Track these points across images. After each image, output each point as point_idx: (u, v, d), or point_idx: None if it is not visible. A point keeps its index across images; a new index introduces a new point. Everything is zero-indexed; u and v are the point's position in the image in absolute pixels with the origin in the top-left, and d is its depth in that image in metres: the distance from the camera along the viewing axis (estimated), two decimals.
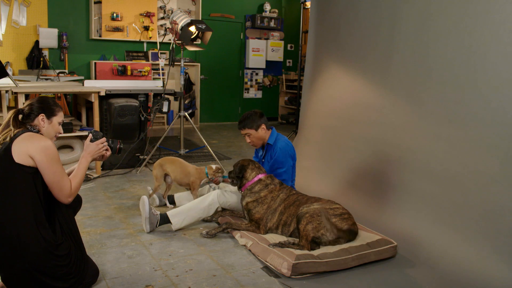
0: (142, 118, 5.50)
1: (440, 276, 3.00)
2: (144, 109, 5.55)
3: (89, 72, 8.38)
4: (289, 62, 11.02)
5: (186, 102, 9.09)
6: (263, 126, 3.79)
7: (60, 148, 5.23)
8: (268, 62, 10.52)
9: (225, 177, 4.00)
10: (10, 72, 7.03)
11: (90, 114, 5.46)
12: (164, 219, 3.61)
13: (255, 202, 3.51)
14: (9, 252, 2.35)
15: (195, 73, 9.53)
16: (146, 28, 8.64)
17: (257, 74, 10.60)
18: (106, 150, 2.79)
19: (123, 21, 8.45)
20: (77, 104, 6.53)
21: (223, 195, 3.75)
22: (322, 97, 5.35)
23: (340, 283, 2.87)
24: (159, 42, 8.71)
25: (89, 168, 5.36)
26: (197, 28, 5.64)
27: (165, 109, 5.51)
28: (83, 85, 5.95)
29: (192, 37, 5.74)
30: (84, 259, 2.65)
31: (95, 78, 8.05)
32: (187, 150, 6.07)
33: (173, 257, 3.17)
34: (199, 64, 9.53)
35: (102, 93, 5.15)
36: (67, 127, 4.91)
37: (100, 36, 8.35)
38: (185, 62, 8.84)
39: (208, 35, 5.82)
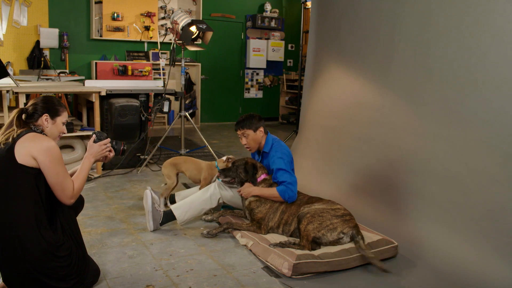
0: (143, 118, 5.50)
1: (440, 276, 3.00)
2: (145, 109, 5.55)
3: (90, 72, 8.39)
4: (289, 62, 11.02)
5: (187, 102, 9.10)
6: (261, 129, 3.71)
7: (60, 148, 5.24)
8: (269, 62, 10.52)
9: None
10: (11, 72, 7.03)
11: (91, 114, 5.47)
12: (167, 217, 3.62)
13: (258, 202, 3.51)
14: (10, 253, 2.34)
15: (195, 73, 9.53)
16: (147, 28, 8.64)
17: (257, 74, 10.60)
18: (110, 151, 2.78)
19: (124, 21, 8.45)
20: (77, 104, 6.54)
21: (222, 185, 3.75)
22: (323, 97, 5.34)
23: (341, 283, 2.87)
24: (160, 42, 8.71)
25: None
26: (197, 28, 5.64)
27: (165, 109, 5.51)
28: (84, 85, 5.96)
29: (193, 37, 5.75)
30: (85, 260, 2.65)
31: (96, 78, 8.05)
32: (187, 150, 6.07)
33: (174, 257, 3.17)
34: (199, 64, 9.54)
35: (103, 93, 5.15)
36: (67, 127, 4.91)
37: (101, 36, 8.36)
38: (185, 62, 8.85)
39: (209, 35, 5.82)
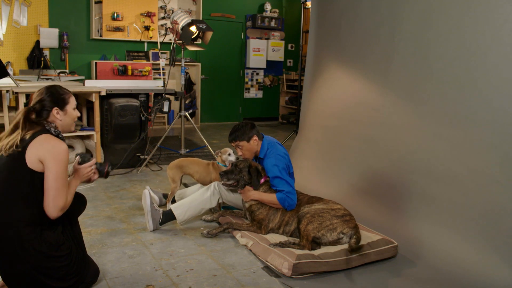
0: (143, 118, 5.50)
1: (440, 276, 3.00)
2: (145, 109, 5.55)
3: (89, 72, 8.39)
4: (289, 62, 11.02)
5: (187, 102, 9.10)
6: (255, 137, 3.64)
7: None
8: (269, 62, 10.52)
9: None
10: (11, 72, 7.03)
11: (91, 114, 5.46)
12: (167, 216, 3.62)
13: (259, 204, 3.51)
14: (10, 253, 2.33)
15: (195, 73, 9.53)
16: (147, 28, 8.64)
17: (257, 74, 10.60)
18: (94, 173, 2.72)
19: (124, 21, 8.45)
20: (77, 104, 6.52)
21: (221, 185, 3.74)
22: (323, 97, 5.34)
23: (341, 283, 2.87)
24: (160, 42, 8.71)
25: None
26: (197, 28, 5.64)
27: (165, 109, 5.51)
28: (83, 85, 5.95)
29: (193, 37, 5.75)
30: (85, 259, 2.64)
31: (96, 78, 8.05)
32: (187, 150, 6.07)
33: (174, 257, 3.17)
34: (199, 64, 9.54)
35: (103, 93, 5.15)
36: None
37: (100, 36, 8.36)
38: (185, 62, 8.85)
39: (209, 35, 5.82)
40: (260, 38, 10.36)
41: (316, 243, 3.16)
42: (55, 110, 2.53)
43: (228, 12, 9.95)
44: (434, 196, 3.56)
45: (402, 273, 3.04)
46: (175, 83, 8.90)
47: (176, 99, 5.99)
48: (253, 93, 10.65)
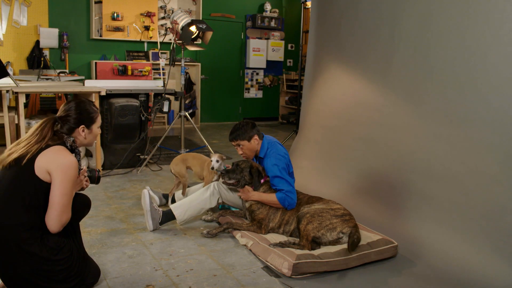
0: (143, 118, 5.50)
1: (440, 276, 3.00)
2: (145, 109, 5.55)
3: (89, 72, 8.39)
4: (289, 62, 11.02)
5: (187, 102, 9.10)
6: (256, 137, 3.65)
7: None
8: (269, 62, 10.52)
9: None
10: (10, 72, 7.03)
11: None
12: (167, 216, 3.62)
13: (259, 203, 3.51)
14: (11, 256, 2.32)
15: (195, 73, 9.53)
16: (147, 28, 8.64)
17: (257, 74, 10.60)
18: (86, 181, 2.71)
19: (124, 21, 8.45)
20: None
21: (221, 185, 3.75)
22: (323, 97, 5.34)
23: (341, 283, 2.87)
24: (160, 42, 8.71)
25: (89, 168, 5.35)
26: (197, 28, 5.64)
27: (165, 109, 5.51)
28: (83, 85, 5.95)
29: (193, 37, 5.75)
30: (86, 260, 2.63)
31: (96, 78, 8.05)
32: (187, 150, 6.07)
33: (174, 257, 3.17)
34: (199, 64, 9.54)
35: (103, 93, 5.15)
36: None
37: (100, 36, 8.36)
38: (185, 62, 8.84)
39: (209, 35, 5.82)
40: (260, 38, 10.36)
41: (316, 243, 3.16)
42: (81, 128, 2.53)
43: (228, 12, 9.95)
44: (434, 196, 3.56)
45: (402, 273, 3.04)
46: (175, 83, 8.90)
47: (176, 99, 5.99)
48: (253, 93, 10.65)
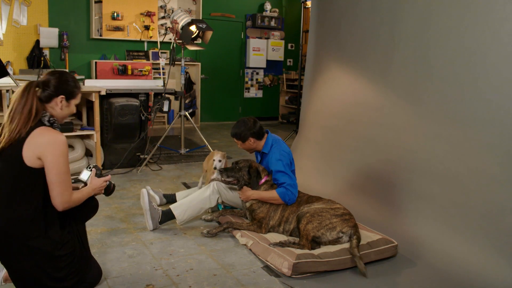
0: (143, 118, 5.50)
1: (440, 275, 3.00)
2: (145, 109, 5.55)
3: (89, 72, 8.38)
4: (289, 61, 11.02)
5: (187, 101, 9.09)
6: (251, 139, 3.67)
7: None
8: (269, 62, 10.52)
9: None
10: (10, 72, 7.02)
11: (91, 114, 5.46)
12: (167, 216, 3.62)
13: (260, 202, 3.52)
14: (15, 249, 2.32)
15: (195, 72, 9.53)
16: (147, 28, 8.64)
17: (257, 73, 10.60)
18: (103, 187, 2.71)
19: (124, 20, 8.45)
20: (77, 104, 6.53)
21: (221, 185, 3.76)
22: (323, 97, 5.35)
23: (341, 282, 2.88)
24: (160, 42, 8.70)
25: None
26: (197, 28, 5.64)
27: (165, 108, 5.51)
28: (83, 84, 5.95)
29: (193, 36, 5.75)
30: (88, 259, 2.63)
31: (96, 78, 8.05)
32: (187, 150, 6.07)
33: (174, 256, 3.17)
34: (199, 63, 9.53)
35: (103, 93, 5.15)
36: (67, 127, 4.91)
37: (100, 35, 8.35)
38: (185, 61, 8.83)
39: (209, 34, 5.82)
40: (260, 38, 10.36)
41: (316, 242, 3.16)
42: (60, 99, 2.45)
43: (228, 11, 9.95)
44: (434, 196, 3.56)
45: (402, 272, 3.04)
46: (175, 83, 8.89)
47: (176, 98, 5.99)
48: (253, 92, 10.64)
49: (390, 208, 3.88)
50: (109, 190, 2.77)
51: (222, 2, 9.85)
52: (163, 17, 8.97)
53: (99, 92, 5.12)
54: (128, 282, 2.78)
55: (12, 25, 7.60)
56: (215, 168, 3.91)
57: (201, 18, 8.92)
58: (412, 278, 2.97)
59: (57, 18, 8.04)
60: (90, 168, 2.69)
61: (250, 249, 3.27)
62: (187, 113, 6.01)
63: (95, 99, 5.11)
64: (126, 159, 5.51)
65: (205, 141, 6.04)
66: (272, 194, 3.47)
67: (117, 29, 8.40)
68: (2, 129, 2.35)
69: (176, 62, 6.04)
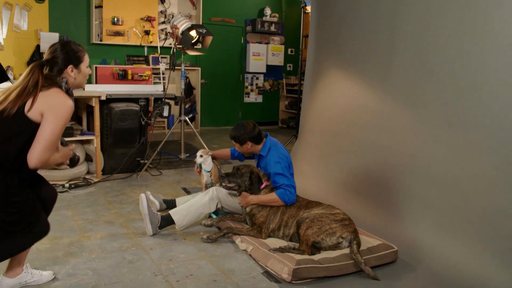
0: (143, 123, 5.50)
1: (440, 280, 2.99)
2: (145, 114, 5.55)
3: (90, 77, 8.40)
4: (289, 66, 11.04)
5: (187, 106, 9.11)
6: (249, 143, 3.73)
7: None
8: (269, 67, 10.54)
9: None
10: (11, 77, 7.04)
11: (91, 119, 5.47)
12: (166, 221, 3.61)
13: (260, 207, 3.52)
14: None
15: (195, 77, 9.54)
16: (147, 33, 8.66)
17: (257, 78, 10.61)
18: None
19: (124, 25, 8.47)
20: (78, 109, 6.53)
21: (220, 190, 3.77)
22: (323, 102, 5.35)
23: None
24: (160, 47, 8.73)
25: (89, 172, 5.36)
26: (197, 33, 5.65)
27: (165, 113, 5.52)
28: (83, 89, 5.95)
29: (193, 41, 5.76)
30: (38, 213, 2.57)
31: (96, 83, 8.06)
32: (187, 155, 6.07)
33: (174, 262, 3.16)
34: (199, 68, 9.55)
35: (103, 98, 5.15)
36: (67, 132, 4.92)
37: (101, 40, 8.37)
38: (185, 66, 8.86)
39: (209, 39, 5.83)
40: (260, 43, 10.38)
41: (316, 248, 3.16)
42: (70, 69, 2.52)
43: (228, 16, 9.97)
44: (434, 200, 3.56)
45: (402, 277, 3.03)
46: (175, 88, 8.90)
47: (176, 103, 6.00)
48: (253, 97, 10.66)
49: (389, 213, 3.88)
50: (73, 161, 2.84)
51: (222, 7, 9.88)
52: (163, 22, 8.99)
53: (99, 97, 5.13)
54: None
55: (12, 30, 7.61)
56: (195, 163, 4.07)
57: (201, 23, 8.94)
58: (412, 283, 2.96)
59: (58, 23, 8.06)
60: None
61: (250, 255, 3.27)
62: (187, 118, 6.02)
63: (95, 104, 5.11)
64: (126, 164, 5.51)
65: (205, 146, 6.04)
66: (272, 196, 3.48)
67: (117, 34, 8.42)
68: (7, 96, 2.38)
69: (176, 67, 6.06)
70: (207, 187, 4.07)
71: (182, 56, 6.11)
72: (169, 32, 5.90)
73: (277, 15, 10.43)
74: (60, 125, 2.36)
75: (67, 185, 4.81)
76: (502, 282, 2.87)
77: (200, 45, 5.94)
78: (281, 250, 3.15)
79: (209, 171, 4.06)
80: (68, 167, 2.85)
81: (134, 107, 5.38)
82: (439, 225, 3.45)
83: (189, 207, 3.66)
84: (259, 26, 10.12)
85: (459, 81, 3.45)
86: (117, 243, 3.46)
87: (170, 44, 8.46)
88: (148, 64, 8.83)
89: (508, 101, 3.07)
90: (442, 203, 3.48)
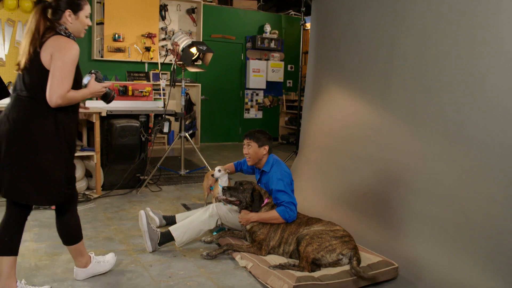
0: (143, 139, 5.51)
1: None
2: (145, 130, 5.56)
3: None
4: (289, 82, 11.08)
5: (187, 122, 9.13)
6: (266, 147, 3.77)
7: None
8: (269, 83, 10.58)
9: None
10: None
11: (91, 134, 5.48)
12: (166, 237, 3.60)
13: (261, 224, 3.51)
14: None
15: (196, 93, 9.57)
16: (148, 49, 8.72)
17: (257, 94, 10.65)
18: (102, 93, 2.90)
19: (125, 42, 8.53)
20: (78, 124, 6.55)
21: (220, 206, 3.76)
22: (322, 118, 5.37)
23: None
24: (160, 63, 8.78)
25: (88, 188, 5.36)
26: (198, 50, 5.70)
27: (165, 129, 5.53)
28: (84, 105, 5.97)
29: (193, 58, 5.80)
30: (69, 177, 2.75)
31: (97, 99, 8.06)
32: (187, 171, 6.07)
33: (173, 279, 3.15)
34: (199, 84, 9.59)
35: (103, 114, 5.17)
36: None
37: (102, 56, 8.43)
38: (186, 82, 8.90)
39: (209, 56, 5.87)
40: (260, 59, 10.44)
41: (316, 264, 3.14)
42: (67, 12, 2.61)
43: (228, 33, 10.04)
44: (434, 216, 3.55)
45: None
46: (175, 104, 8.93)
47: (176, 119, 6.01)
48: (253, 113, 10.68)
49: (390, 229, 3.86)
50: (108, 97, 2.99)
51: (222, 24, 9.96)
52: (164, 39, 9.06)
53: (99, 113, 5.15)
54: None
55: (14, 46, 7.67)
56: (212, 176, 4.08)
57: (201, 40, 9.01)
58: None
59: None
60: (91, 72, 2.84)
61: (250, 272, 3.25)
62: (187, 134, 6.03)
63: (95, 120, 5.13)
64: (126, 180, 5.51)
65: (205, 162, 6.05)
66: (272, 214, 3.47)
67: (118, 50, 8.48)
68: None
69: (176, 83, 6.09)
70: (216, 200, 4.07)
71: (183, 72, 6.15)
72: (169, 49, 5.96)
73: (277, 31, 10.51)
74: (67, 61, 2.49)
75: None
76: None
77: (201, 61, 5.99)
78: (281, 267, 3.14)
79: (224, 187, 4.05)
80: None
81: (135, 123, 5.39)
82: (440, 242, 3.44)
83: (189, 224, 3.65)
84: (259, 43, 10.19)
85: (458, 98, 3.47)
86: (117, 260, 3.44)
87: (171, 60, 8.49)
88: (149, 80, 8.87)
89: (508, 118, 3.08)
90: (442, 219, 3.48)
